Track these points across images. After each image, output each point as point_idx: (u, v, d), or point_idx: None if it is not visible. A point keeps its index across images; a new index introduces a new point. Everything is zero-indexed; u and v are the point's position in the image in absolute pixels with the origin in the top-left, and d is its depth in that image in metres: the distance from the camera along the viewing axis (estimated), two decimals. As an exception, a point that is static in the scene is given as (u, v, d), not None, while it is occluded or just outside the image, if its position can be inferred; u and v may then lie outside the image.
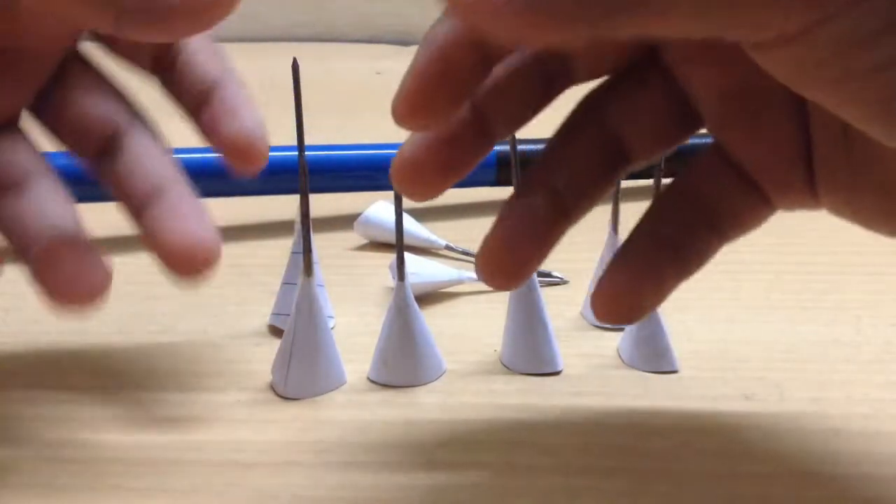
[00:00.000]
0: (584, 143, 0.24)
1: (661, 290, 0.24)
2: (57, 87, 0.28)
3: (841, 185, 0.22)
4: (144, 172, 0.27)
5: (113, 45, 0.29)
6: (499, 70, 0.23)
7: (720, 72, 0.23)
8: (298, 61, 0.29)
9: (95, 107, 0.28)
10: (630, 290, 0.24)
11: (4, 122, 0.27)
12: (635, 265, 0.24)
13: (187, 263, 0.26)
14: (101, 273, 0.26)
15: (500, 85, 0.23)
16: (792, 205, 0.24)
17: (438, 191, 0.25)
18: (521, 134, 0.31)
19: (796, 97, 0.20)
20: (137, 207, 0.27)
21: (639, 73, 0.24)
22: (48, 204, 0.27)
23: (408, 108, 0.22)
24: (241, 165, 0.28)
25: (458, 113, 0.23)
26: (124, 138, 0.28)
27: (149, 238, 0.26)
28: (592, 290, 0.24)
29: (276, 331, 0.34)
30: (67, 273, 0.25)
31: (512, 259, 0.24)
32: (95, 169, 0.28)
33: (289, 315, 0.30)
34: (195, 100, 0.28)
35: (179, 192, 0.27)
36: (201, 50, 0.29)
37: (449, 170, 0.24)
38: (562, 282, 0.38)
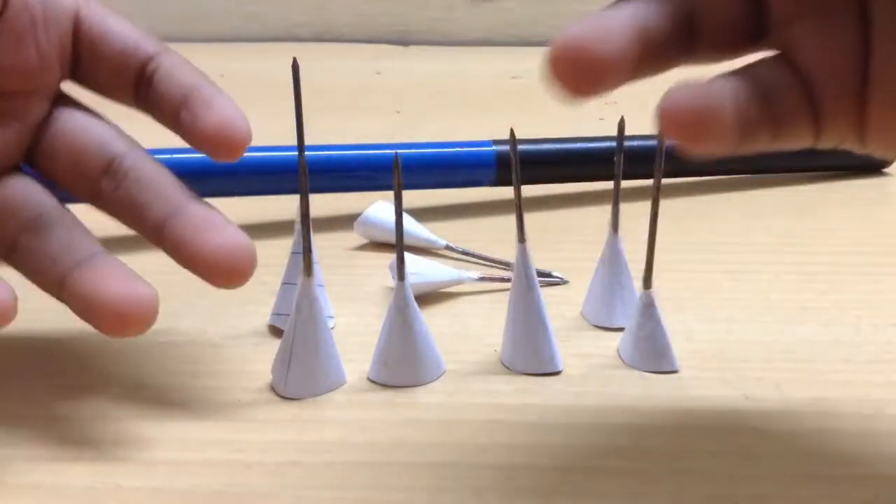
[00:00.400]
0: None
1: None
2: (49, 126, 0.29)
3: (891, 110, 0.22)
4: (155, 194, 0.28)
5: (91, 81, 0.30)
6: None
7: None
8: (298, 61, 0.29)
9: (90, 134, 0.29)
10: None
11: (9, 166, 0.28)
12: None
13: (229, 270, 0.26)
14: (149, 299, 0.26)
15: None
16: (838, 127, 0.23)
17: (606, 84, 0.22)
18: (520, 134, 0.31)
19: (863, 8, 0.20)
20: (155, 227, 0.28)
21: None
22: (77, 237, 0.28)
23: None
24: (220, 151, 0.28)
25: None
26: (125, 162, 0.29)
27: (178, 252, 0.27)
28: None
29: (276, 331, 0.34)
30: (118, 303, 0.26)
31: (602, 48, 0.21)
32: (97, 201, 0.29)
33: (289, 315, 0.30)
34: (174, 108, 0.29)
35: (201, 206, 0.28)
36: (177, 65, 0.30)
37: (637, 47, 0.21)
38: (562, 282, 0.38)
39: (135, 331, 0.26)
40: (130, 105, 0.30)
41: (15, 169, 0.29)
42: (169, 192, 0.28)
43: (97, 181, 0.28)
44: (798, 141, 0.24)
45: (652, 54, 0.22)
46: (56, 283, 0.27)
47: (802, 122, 0.23)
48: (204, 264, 0.27)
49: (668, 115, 0.21)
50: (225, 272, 0.27)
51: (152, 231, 0.28)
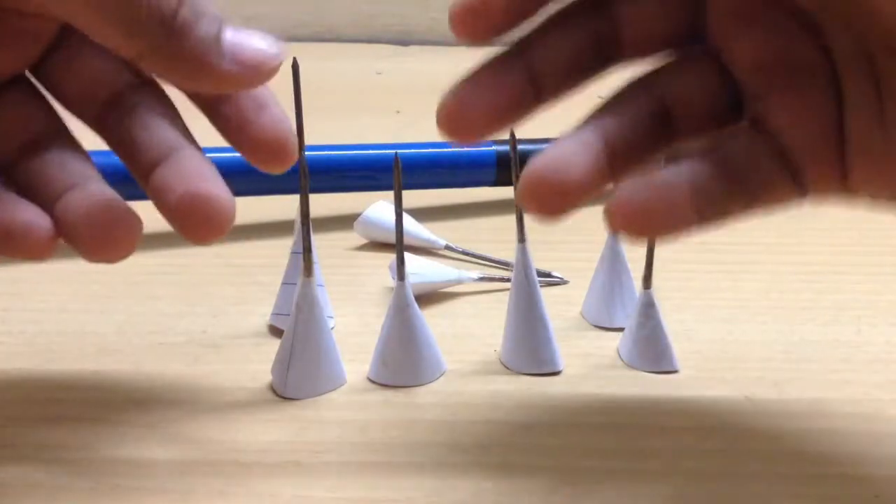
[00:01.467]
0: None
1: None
2: (61, 46, 0.27)
3: (874, 159, 0.22)
4: (153, 135, 0.26)
5: (57, 88, 0.28)
6: (554, 30, 0.24)
7: (759, 43, 0.23)
8: (298, 61, 0.29)
9: (101, 62, 0.27)
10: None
11: (8, 78, 0.26)
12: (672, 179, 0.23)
13: (201, 223, 0.25)
14: (131, 224, 0.25)
15: (554, 43, 0.24)
16: (821, 184, 0.24)
17: (479, 134, 0.24)
18: (520, 134, 0.31)
19: (832, 73, 0.21)
20: (146, 169, 0.26)
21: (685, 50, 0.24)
22: (70, 161, 0.26)
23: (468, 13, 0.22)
24: (272, 161, 0.27)
25: (510, 63, 0.24)
26: (133, 97, 0.27)
27: (158, 198, 0.26)
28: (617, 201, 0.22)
29: (276, 331, 0.34)
30: (100, 227, 0.25)
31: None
32: (100, 129, 0.27)
33: (289, 315, 0.30)
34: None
35: (191, 153, 0.26)
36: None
37: (495, 114, 0.23)
38: (562, 282, 0.38)
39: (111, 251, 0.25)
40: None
41: (14, 80, 0.27)
42: (167, 136, 0.26)
43: (101, 109, 0.27)
44: (780, 203, 0.24)
45: (625, 159, 0.23)
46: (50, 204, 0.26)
47: (782, 187, 0.23)
48: (179, 215, 0.26)
49: (615, 212, 0.22)
50: (197, 227, 0.26)
51: (140, 174, 0.26)
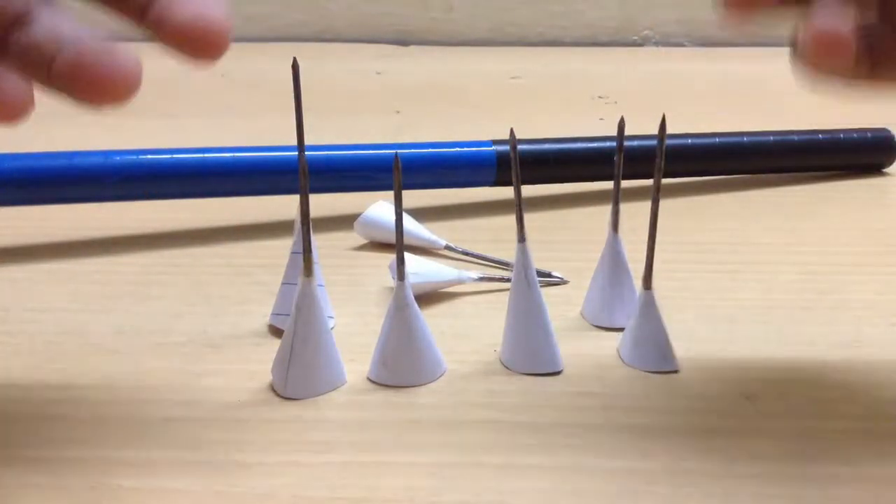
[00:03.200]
0: None
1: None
2: None
3: None
4: None
5: None
6: None
7: None
8: (298, 61, 0.29)
9: None
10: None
11: None
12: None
13: (202, 40, 0.25)
14: (133, 62, 0.25)
15: None
16: None
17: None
18: (520, 134, 0.31)
19: None
20: (143, 7, 0.26)
21: None
22: (62, 22, 0.26)
23: None
24: (197, 49, 0.26)
25: None
26: None
27: (159, 27, 0.25)
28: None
29: (276, 331, 0.34)
30: (102, 66, 0.25)
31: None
32: None
33: (289, 315, 0.30)
34: (141, 4, 0.26)
35: None
36: None
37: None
38: (562, 282, 0.38)
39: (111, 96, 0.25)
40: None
41: None
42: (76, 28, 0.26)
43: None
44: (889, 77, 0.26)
45: None
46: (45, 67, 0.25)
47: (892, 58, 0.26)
48: (175, 36, 0.25)
49: (820, 38, 0.24)
50: (197, 42, 0.25)
51: (136, 15, 0.26)
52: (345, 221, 0.43)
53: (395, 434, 0.28)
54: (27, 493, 0.25)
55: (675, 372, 0.31)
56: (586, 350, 0.33)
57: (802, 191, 0.51)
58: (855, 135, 0.54)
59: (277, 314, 0.34)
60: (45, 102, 0.26)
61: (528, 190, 0.48)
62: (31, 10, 0.26)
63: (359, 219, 0.42)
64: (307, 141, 0.30)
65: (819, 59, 0.24)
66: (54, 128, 0.46)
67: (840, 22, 0.24)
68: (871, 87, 0.26)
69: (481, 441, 0.27)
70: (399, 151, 0.34)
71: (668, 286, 0.36)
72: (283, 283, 0.33)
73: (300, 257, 0.29)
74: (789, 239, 0.44)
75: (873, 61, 0.26)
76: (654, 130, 0.30)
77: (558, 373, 0.31)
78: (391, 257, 0.34)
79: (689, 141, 0.51)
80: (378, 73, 0.85)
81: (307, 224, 0.29)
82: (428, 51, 0.95)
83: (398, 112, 0.70)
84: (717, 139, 0.51)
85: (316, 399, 0.29)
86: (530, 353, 0.31)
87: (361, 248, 0.43)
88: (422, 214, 0.43)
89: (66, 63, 0.25)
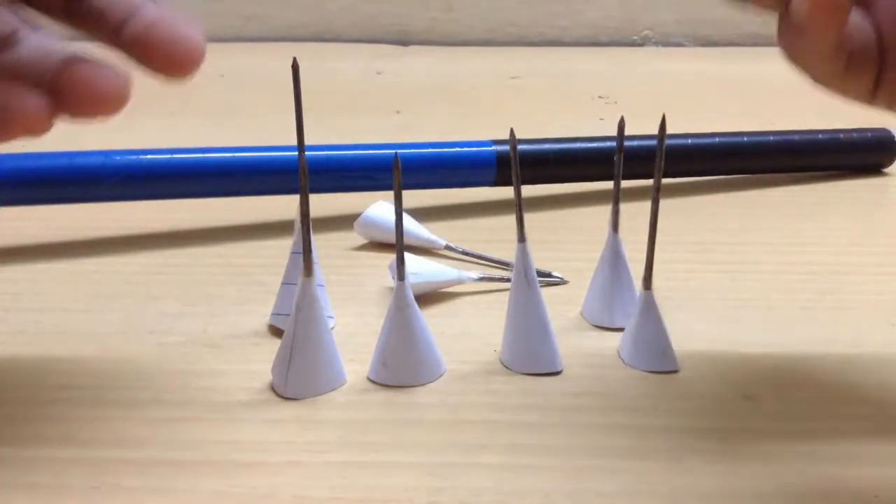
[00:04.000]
0: None
1: None
2: None
3: None
4: (113, 3, 0.27)
5: None
6: None
7: None
8: (298, 61, 0.29)
9: None
10: None
11: None
12: None
13: (177, 62, 0.26)
14: (121, 76, 0.26)
15: None
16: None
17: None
18: (520, 134, 0.31)
19: None
20: (115, 29, 0.27)
21: None
22: (50, 42, 0.27)
23: None
24: (172, 69, 0.27)
25: None
26: None
27: (132, 46, 0.26)
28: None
29: (276, 331, 0.34)
30: (91, 77, 0.26)
31: None
32: (67, 17, 0.28)
33: (289, 315, 0.30)
34: (115, 26, 0.27)
35: (156, 5, 0.27)
36: None
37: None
38: (562, 282, 0.38)
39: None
40: (60, 20, 0.29)
41: None
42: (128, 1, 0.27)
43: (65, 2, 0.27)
44: (858, 84, 0.26)
45: None
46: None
47: (866, 67, 0.26)
48: (148, 54, 0.26)
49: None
50: (170, 60, 0.26)
51: (110, 36, 0.27)
52: (345, 221, 0.43)
53: (395, 434, 0.28)
54: (27, 493, 0.25)
55: (675, 372, 0.31)
56: (586, 350, 0.33)
57: (802, 191, 0.51)
58: (855, 135, 0.54)
59: (277, 314, 0.34)
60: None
61: (528, 190, 0.48)
62: (18, 31, 0.27)
63: (359, 219, 0.42)
64: (307, 141, 0.30)
65: (813, 17, 0.24)
66: (54, 128, 0.46)
67: None
68: (870, 105, 0.27)
69: (481, 441, 0.27)
70: (399, 151, 0.34)
71: (668, 286, 0.36)
72: (283, 283, 0.33)
73: (300, 257, 0.29)
74: (789, 239, 0.44)
75: (876, 85, 0.26)
76: (654, 130, 0.30)
77: (558, 373, 0.31)
78: (391, 257, 0.34)
79: (689, 141, 0.51)
80: (378, 73, 0.85)
81: (307, 224, 0.29)
82: (428, 51, 0.95)
83: (398, 112, 0.70)
84: (717, 139, 0.51)
85: (316, 399, 0.29)
86: (530, 353, 0.31)
87: (361, 248, 0.43)
88: (422, 214, 0.43)
89: (67, 77, 0.26)
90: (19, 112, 0.26)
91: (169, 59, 0.26)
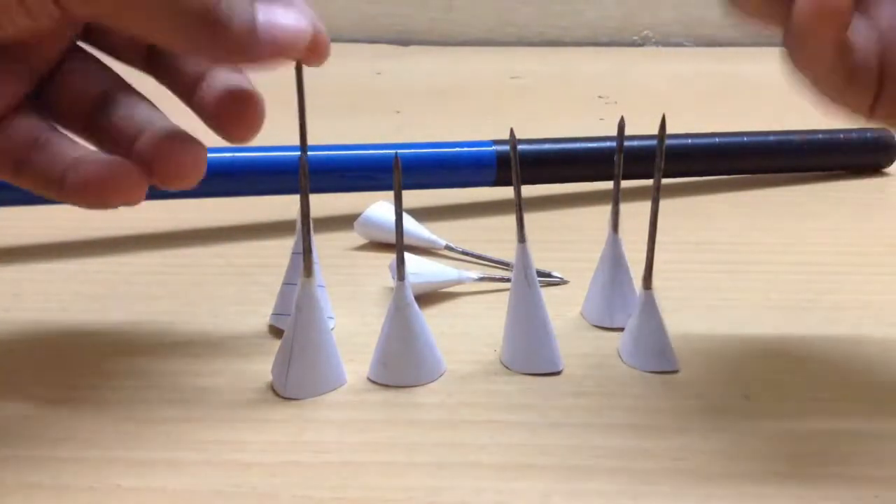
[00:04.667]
0: None
1: None
2: (57, 74, 0.29)
3: None
4: (143, 120, 0.29)
5: (103, 41, 0.30)
6: None
7: None
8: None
9: (89, 78, 0.30)
10: None
11: (12, 108, 0.28)
12: None
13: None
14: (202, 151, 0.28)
15: None
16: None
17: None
18: (520, 134, 0.31)
19: None
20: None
21: None
22: (71, 146, 0.29)
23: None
24: (231, 126, 0.29)
25: None
26: (116, 95, 0.30)
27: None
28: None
29: (276, 331, 0.34)
30: (101, 182, 0.28)
31: None
32: (152, 70, 0.30)
33: (289, 315, 0.30)
34: (191, 83, 0.29)
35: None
36: None
37: None
38: (562, 282, 0.38)
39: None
40: (142, 69, 0.31)
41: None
42: (152, 115, 0.29)
43: (91, 114, 0.30)
44: (858, 98, 0.26)
45: None
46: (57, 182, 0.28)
47: (867, 80, 0.26)
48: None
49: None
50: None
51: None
52: (345, 221, 0.43)
53: (395, 434, 0.28)
54: (27, 493, 0.25)
55: (675, 372, 0.31)
56: (586, 350, 0.33)
57: (802, 191, 0.51)
58: (855, 135, 0.54)
59: (278, 314, 0.34)
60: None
61: (528, 190, 0.48)
62: (108, 94, 0.30)
63: (359, 219, 0.42)
64: (307, 141, 0.30)
65: (813, 24, 0.24)
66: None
67: None
68: (869, 121, 0.27)
69: (481, 441, 0.27)
70: (399, 151, 0.34)
71: (668, 286, 0.36)
72: (283, 284, 0.33)
73: (300, 258, 0.29)
74: (789, 239, 0.44)
75: (875, 99, 0.26)
76: (654, 130, 0.30)
77: (558, 373, 0.31)
78: (391, 257, 0.34)
79: (689, 141, 0.51)
80: (378, 73, 0.85)
81: (307, 224, 0.29)
82: (428, 51, 0.95)
83: (398, 112, 0.70)
84: (717, 139, 0.51)
85: (316, 399, 0.29)
86: (530, 353, 0.31)
87: (361, 248, 0.43)
88: (422, 214, 0.43)
89: (157, 152, 0.28)
90: (125, 182, 0.28)
91: (235, 126, 0.29)
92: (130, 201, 0.28)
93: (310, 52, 0.27)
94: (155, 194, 0.43)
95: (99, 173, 0.28)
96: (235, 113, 0.29)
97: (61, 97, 0.29)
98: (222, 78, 0.29)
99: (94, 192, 0.28)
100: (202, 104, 0.29)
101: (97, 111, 0.29)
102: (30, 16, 0.25)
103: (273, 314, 0.34)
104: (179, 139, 0.28)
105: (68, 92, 0.29)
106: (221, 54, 0.26)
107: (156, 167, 0.28)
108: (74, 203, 0.28)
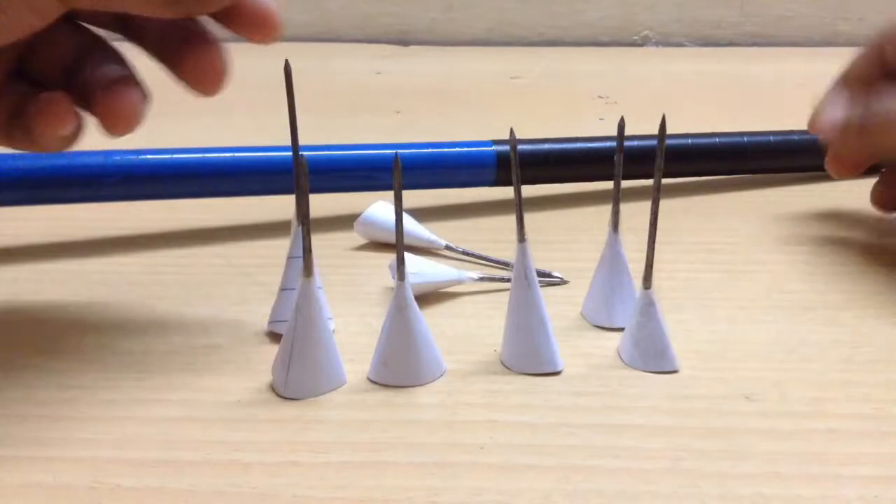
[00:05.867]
0: None
1: None
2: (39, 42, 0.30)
3: None
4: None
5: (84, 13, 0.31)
6: None
7: None
8: (298, 61, 0.29)
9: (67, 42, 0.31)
10: None
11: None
12: None
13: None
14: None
15: None
16: None
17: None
18: (520, 134, 0.31)
19: None
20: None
21: None
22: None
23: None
24: (256, 28, 0.30)
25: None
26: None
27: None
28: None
29: (275, 336, 0.33)
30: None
31: None
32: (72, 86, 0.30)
33: (287, 321, 0.30)
34: (159, 41, 0.30)
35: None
36: None
37: None
38: (562, 282, 0.38)
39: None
40: (113, 31, 0.32)
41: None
42: (121, 69, 0.30)
43: (67, 78, 0.30)
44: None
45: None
46: None
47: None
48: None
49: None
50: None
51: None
52: (345, 221, 0.43)
53: (395, 434, 0.28)
54: (27, 493, 0.25)
55: (675, 372, 0.31)
56: (586, 350, 0.33)
57: (802, 191, 0.51)
58: (855, 135, 0.54)
59: (276, 321, 0.33)
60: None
61: (528, 190, 0.48)
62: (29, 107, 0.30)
63: (359, 219, 0.42)
64: (306, 141, 0.30)
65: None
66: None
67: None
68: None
69: (481, 441, 0.27)
70: (399, 151, 0.34)
71: (668, 286, 0.36)
72: (281, 290, 0.33)
73: (297, 262, 0.29)
74: (789, 239, 0.44)
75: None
76: (654, 130, 0.30)
77: (558, 373, 0.31)
78: (391, 257, 0.34)
79: (689, 141, 0.51)
80: (378, 73, 0.85)
81: (307, 224, 0.29)
82: (428, 51, 0.95)
83: (398, 112, 0.70)
84: (717, 139, 0.51)
85: (316, 399, 0.29)
86: (530, 353, 0.31)
87: (361, 248, 0.43)
88: (422, 214, 0.43)
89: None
90: (53, 109, 0.29)
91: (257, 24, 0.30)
92: (59, 129, 0.29)
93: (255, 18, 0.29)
94: (155, 194, 0.43)
95: (37, 105, 0.29)
96: (199, 64, 0.30)
97: (39, 66, 0.30)
98: (184, 34, 0.30)
99: (34, 123, 0.29)
100: (170, 60, 0.30)
101: (73, 74, 0.30)
102: (39, 15, 0.25)
103: (271, 321, 0.34)
104: (124, 81, 0.29)
105: (43, 61, 0.30)
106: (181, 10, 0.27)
107: (92, 100, 0.29)
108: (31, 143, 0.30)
